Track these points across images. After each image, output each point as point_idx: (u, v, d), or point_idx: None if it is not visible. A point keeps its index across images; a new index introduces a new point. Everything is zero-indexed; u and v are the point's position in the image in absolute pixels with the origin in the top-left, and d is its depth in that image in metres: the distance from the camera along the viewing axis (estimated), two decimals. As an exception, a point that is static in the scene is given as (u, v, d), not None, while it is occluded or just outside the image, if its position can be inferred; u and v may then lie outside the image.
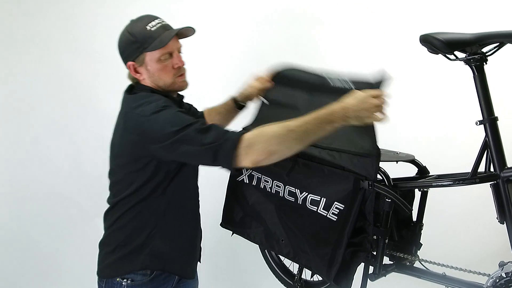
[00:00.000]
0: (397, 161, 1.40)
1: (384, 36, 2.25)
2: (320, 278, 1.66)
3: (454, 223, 2.18)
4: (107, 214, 1.65)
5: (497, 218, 1.22)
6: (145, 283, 1.59)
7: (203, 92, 2.67)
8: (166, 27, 1.51)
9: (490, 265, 1.26)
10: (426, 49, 1.32)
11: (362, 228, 1.35)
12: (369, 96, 1.26)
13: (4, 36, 2.66)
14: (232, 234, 1.89)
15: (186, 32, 1.54)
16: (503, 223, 1.21)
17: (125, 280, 1.57)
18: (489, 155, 1.24)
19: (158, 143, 1.39)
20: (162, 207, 1.56)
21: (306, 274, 1.72)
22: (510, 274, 1.17)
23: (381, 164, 1.36)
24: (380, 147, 1.52)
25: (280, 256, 1.86)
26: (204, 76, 2.62)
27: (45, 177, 2.74)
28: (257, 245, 1.81)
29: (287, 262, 1.82)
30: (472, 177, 1.24)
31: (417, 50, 1.40)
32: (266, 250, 1.92)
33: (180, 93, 1.65)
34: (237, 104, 1.90)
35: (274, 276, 1.89)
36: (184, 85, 1.58)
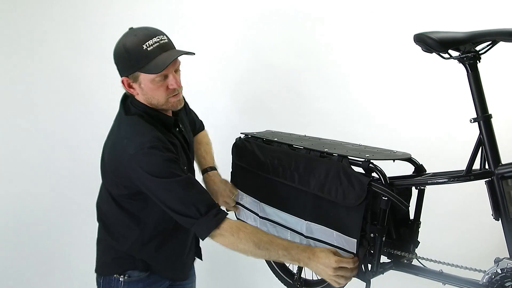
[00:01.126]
0: (393, 160, 1.40)
1: (378, 36, 2.26)
2: (320, 277, 1.67)
3: (450, 221, 2.18)
4: (98, 216, 1.69)
5: (492, 215, 1.22)
6: (142, 279, 1.62)
7: (200, 92, 2.70)
8: (163, 48, 1.44)
9: (485, 261, 1.27)
10: (420, 48, 1.33)
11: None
12: (336, 266, 1.36)
13: (4, 36, 2.68)
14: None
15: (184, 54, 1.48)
16: (498, 220, 1.21)
17: (122, 276, 1.59)
18: (483, 153, 1.24)
19: (137, 181, 1.44)
20: (143, 220, 1.58)
21: (306, 273, 1.73)
22: (505, 270, 1.17)
23: (378, 163, 1.37)
24: (376, 146, 1.54)
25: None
26: (201, 76, 2.63)
27: (45, 176, 2.76)
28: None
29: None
30: (467, 175, 1.25)
31: (411, 49, 1.41)
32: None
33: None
34: (203, 170, 1.89)
35: (273, 275, 1.90)
36: (177, 105, 1.54)
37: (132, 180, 1.46)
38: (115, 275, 1.62)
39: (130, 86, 1.51)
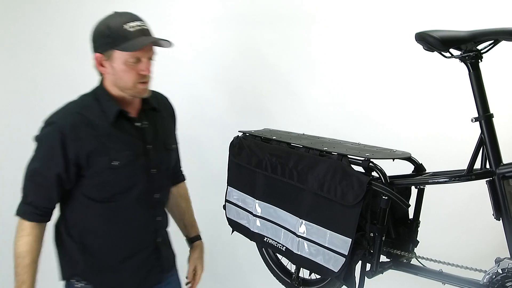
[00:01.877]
0: (393, 159, 1.40)
1: (378, 35, 2.25)
2: (318, 277, 1.67)
3: (450, 220, 2.19)
4: None
5: (493, 214, 1.22)
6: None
7: (199, 90, 2.69)
8: (144, 32, 1.47)
9: (486, 261, 1.27)
10: (421, 47, 1.32)
11: (359, 226, 1.36)
12: None
13: (3, 36, 2.65)
14: (232, 232, 1.90)
15: (163, 43, 1.50)
16: (499, 220, 1.21)
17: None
18: (484, 152, 1.24)
19: None
20: (76, 226, 1.59)
21: (304, 273, 1.72)
22: (506, 270, 1.17)
23: (378, 162, 1.36)
24: (376, 145, 1.54)
25: (278, 254, 1.87)
26: (200, 74, 2.63)
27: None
28: (255, 244, 1.82)
29: (284, 260, 1.82)
30: (468, 174, 1.25)
31: (413, 48, 1.40)
32: (264, 249, 1.92)
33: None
34: (187, 238, 1.92)
35: (271, 274, 1.90)
36: (143, 93, 1.54)
37: None
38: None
39: (101, 64, 1.51)
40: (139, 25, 1.47)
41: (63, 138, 1.46)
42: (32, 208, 1.51)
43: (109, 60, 1.48)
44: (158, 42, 1.50)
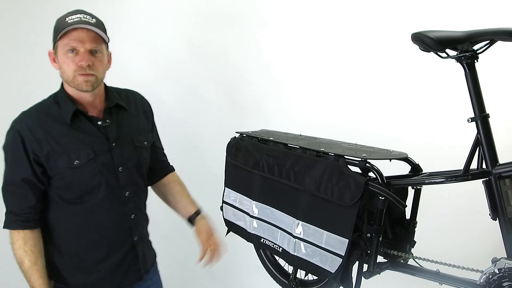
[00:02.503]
0: (390, 159, 1.40)
1: (375, 35, 2.25)
2: (315, 277, 1.66)
3: (447, 221, 2.18)
4: None
5: (489, 214, 1.22)
6: None
7: (196, 91, 2.69)
8: (82, 22, 1.49)
9: (483, 261, 1.27)
10: (418, 47, 1.32)
11: (356, 226, 1.35)
12: None
13: (2, 36, 2.65)
14: (227, 233, 1.90)
15: (101, 35, 1.52)
16: (496, 220, 1.21)
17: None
18: (481, 152, 1.24)
19: None
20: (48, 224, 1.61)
21: (301, 274, 1.72)
22: (503, 270, 1.17)
23: (374, 162, 1.36)
24: (373, 146, 1.54)
25: (275, 255, 1.86)
26: (197, 75, 2.62)
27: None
28: (252, 245, 1.82)
29: (282, 261, 1.82)
30: (465, 174, 1.25)
31: (409, 48, 1.40)
32: (261, 250, 1.92)
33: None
34: (190, 220, 1.90)
35: (269, 275, 1.89)
36: (84, 86, 1.53)
37: None
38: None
39: (54, 60, 1.56)
40: (79, 17, 1.49)
41: (22, 140, 1.50)
42: (13, 216, 1.54)
43: (56, 54, 1.53)
44: (90, 28, 1.49)
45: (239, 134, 1.86)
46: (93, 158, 1.56)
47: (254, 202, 1.70)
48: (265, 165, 1.63)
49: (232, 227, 1.85)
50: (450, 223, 2.18)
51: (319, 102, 2.43)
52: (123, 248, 1.66)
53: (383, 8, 2.23)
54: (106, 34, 1.55)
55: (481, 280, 1.22)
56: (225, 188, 1.87)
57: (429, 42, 1.25)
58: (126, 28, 2.50)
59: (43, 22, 2.62)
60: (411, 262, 1.46)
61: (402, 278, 1.51)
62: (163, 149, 1.94)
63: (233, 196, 1.82)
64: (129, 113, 1.72)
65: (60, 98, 1.58)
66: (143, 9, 2.56)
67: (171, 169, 1.96)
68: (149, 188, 1.88)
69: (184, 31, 2.62)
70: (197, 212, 1.89)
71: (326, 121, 2.38)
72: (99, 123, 1.61)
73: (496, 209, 1.20)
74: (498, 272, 1.18)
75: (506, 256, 1.19)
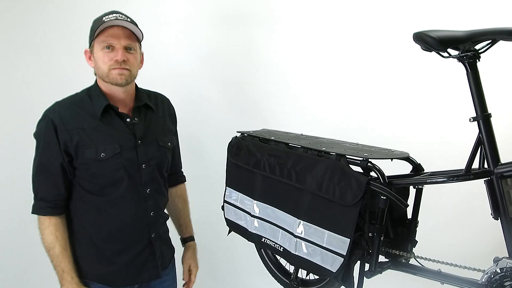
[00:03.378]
0: (391, 159, 1.40)
1: (376, 35, 2.25)
2: (317, 277, 1.66)
3: (448, 220, 2.18)
4: None
5: (491, 214, 1.22)
6: None
7: (198, 91, 2.68)
8: (119, 20, 1.56)
9: (485, 261, 1.27)
10: (419, 47, 1.32)
11: (358, 226, 1.35)
12: None
13: (1, 36, 2.65)
14: (228, 233, 1.90)
15: (136, 33, 1.60)
16: (497, 219, 1.21)
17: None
18: (482, 152, 1.24)
19: None
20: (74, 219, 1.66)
21: (303, 273, 1.72)
22: (504, 270, 1.17)
23: (376, 162, 1.36)
24: (374, 145, 1.54)
25: (276, 255, 1.86)
26: (198, 75, 2.62)
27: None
28: (254, 244, 1.82)
29: (283, 261, 1.82)
30: (466, 174, 1.25)
31: (411, 48, 1.40)
32: (262, 249, 1.92)
33: None
34: (181, 238, 1.99)
35: (270, 275, 1.89)
36: (118, 79, 1.59)
37: None
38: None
39: (90, 58, 1.64)
40: (115, 16, 1.56)
41: (55, 129, 1.56)
42: (43, 203, 1.59)
43: (92, 52, 1.60)
44: (134, 32, 1.59)
45: (240, 133, 1.86)
46: (119, 153, 1.61)
47: (255, 201, 1.70)
48: (266, 165, 1.63)
49: (233, 226, 1.85)
50: (452, 223, 2.18)
51: (321, 102, 2.43)
52: (140, 244, 1.69)
53: (385, 8, 2.23)
54: (140, 31, 1.62)
55: (483, 280, 1.22)
56: (226, 187, 1.87)
57: (431, 42, 1.25)
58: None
59: (47, 21, 2.65)
60: (412, 261, 1.46)
61: (403, 278, 1.51)
62: (180, 157, 1.99)
63: (234, 196, 1.82)
64: (156, 114, 1.78)
65: (93, 92, 1.64)
66: (143, 10, 2.56)
67: (183, 180, 2.01)
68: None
69: (185, 31, 2.61)
70: (189, 239, 1.99)
71: (327, 120, 2.38)
72: (128, 120, 1.66)
73: (498, 208, 1.20)
74: (500, 272, 1.18)
75: (508, 256, 1.19)
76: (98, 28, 1.54)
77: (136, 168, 1.65)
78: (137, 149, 1.65)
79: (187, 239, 1.97)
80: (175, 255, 1.90)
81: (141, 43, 1.69)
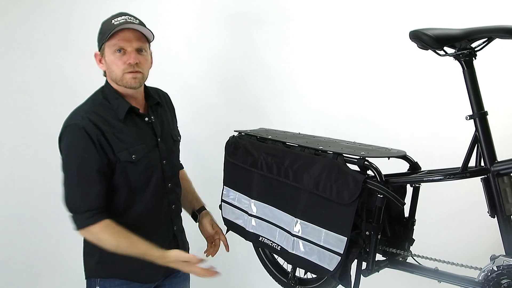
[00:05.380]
0: (388, 157, 1.40)
1: (373, 33, 2.25)
2: (314, 276, 1.66)
3: (445, 218, 2.19)
4: None
5: (488, 212, 1.22)
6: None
7: (195, 90, 2.68)
8: (128, 23, 1.55)
9: (481, 259, 1.27)
10: (415, 45, 1.32)
11: (355, 224, 1.36)
12: (185, 263, 1.57)
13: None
14: (226, 232, 1.90)
15: (147, 35, 1.60)
16: (494, 217, 1.21)
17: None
18: (479, 150, 1.24)
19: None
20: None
21: (300, 272, 1.72)
22: (501, 268, 1.17)
23: (373, 160, 1.36)
24: (371, 144, 1.54)
25: (273, 254, 1.86)
26: (195, 74, 2.62)
27: (42, 177, 2.72)
28: (251, 243, 1.82)
29: (281, 259, 1.82)
30: (463, 172, 1.25)
31: (407, 46, 1.40)
32: (260, 248, 1.92)
33: None
34: (194, 214, 1.95)
35: (268, 274, 1.89)
36: (132, 83, 1.59)
37: None
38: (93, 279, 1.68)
39: (100, 61, 1.63)
40: (124, 18, 1.56)
41: (89, 135, 1.52)
42: (88, 214, 1.54)
43: (103, 55, 1.59)
44: (144, 34, 1.59)
45: (237, 132, 1.86)
46: (147, 153, 1.63)
47: (253, 200, 1.70)
48: (263, 164, 1.63)
49: (231, 226, 1.85)
50: (449, 221, 2.19)
51: (318, 101, 2.43)
52: (167, 238, 1.73)
53: (381, 6, 2.23)
54: (151, 32, 1.61)
55: (480, 278, 1.22)
56: (224, 187, 1.87)
57: (427, 40, 1.25)
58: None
59: (47, 21, 2.64)
60: (409, 260, 1.46)
61: (400, 276, 1.51)
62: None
63: (232, 195, 1.82)
64: (164, 110, 1.82)
65: (110, 95, 1.63)
66: (143, 9, 2.56)
67: (182, 167, 2.02)
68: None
69: (183, 30, 2.61)
70: (202, 208, 1.95)
71: (324, 119, 2.38)
72: (146, 119, 1.68)
73: (494, 206, 1.20)
74: (496, 270, 1.18)
75: (504, 254, 1.19)
76: (109, 32, 1.53)
77: (159, 165, 1.68)
78: (159, 147, 1.68)
79: (201, 209, 1.94)
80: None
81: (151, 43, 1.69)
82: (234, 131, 1.88)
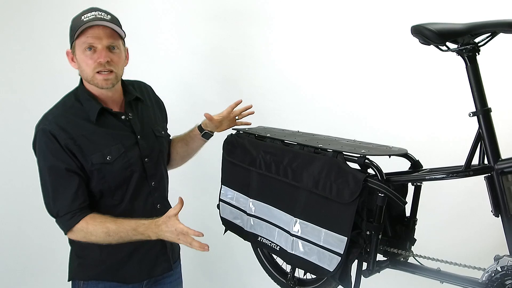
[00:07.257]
0: (389, 156, 1.38)
1: (373, 30, 2.24)
2: (314, 276, 1.64)
3: (448, 218, 2.18)
4: None
5: (491, 211, 1.20)
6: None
7: (192, 88, 2.67)
8: (97, 19, 1.50)
9: (485, 259, 1.25)
10: (417, 40, 1.30)
11: (355, 224, 1.33)
12: (178, 232, 1.46)
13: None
14: (224, 232, 1.88)
15: (117, 31, 1.54)
16: (498, 216, 1.19)
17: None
18: (482, 147, 1.22)
19: None
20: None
21: (300, 272, 1.70)
22: (505, 268, 1.15)
23: (374, 158, 1.34)
24: (372, 142, 1.52)
25: (272, 254, 1.84)
26: (194, 72, 2.61)
27: (36, 177, 2.71)
28: (250, 243, 1.80)
29: (280, 260, 1.80)
30: (466, 170, 1.22)
31: (409, 42, 1.38)
32: (258, 248, 1.90)
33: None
34: (203, 132, 1.88)
35: (266, 274, 1.87)
36: (103, 84, 1.55)
37: None
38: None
39: (72, 59, 1.58)
40: (94, 14, 1.51)
41: (56, 139, 1.51)
42: (69, 216, 1.54)
43: (74, 53, 1.55)
44: (106, 24, 1.52)
45: (236, 131, 1.84)
46: (124, 152, 1.61)
47: (251, 200, 1.68)
48: (262, 162, 1.61)
49: (229, 225, 1.83)
50: (451, 220, 2.18)
51: (317, 99, 2.42)
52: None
53: (383, 2, 2.21)
54: (121, 29, 1.57)
55: (483, 278, 1.20)
56: (222, 186, 1.85)
57: (429, 35, 1.22)
58: (124, 27, 2.49)
59: (37, 18, 2.63)
60: (411, 260, 1.44)
61: (402, 277, 1.49)
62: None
63: (230, 194, 1.80)
64: (145, 104, 1.78)
65: (82, 96, 1.60)
66: (142, 8, 2.55)
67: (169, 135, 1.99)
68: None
69: (181, 29, 2.61)
70: (198, 127, 1.90)
71: (324, 117, 2.37)
72: (123, 117, 1.66)
73: (498, 205, 1.18)
74: (500, 270, 1.16)
75: (509, 253, 1.17)
76: (78, 29, 1.49)
77: (140, 164, 1.66)
78: (138, 145, 1.65)
79: (198, 127, 1.90)
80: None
81: (124, 39, 1.64)
82: (232, 129, 1.86)
